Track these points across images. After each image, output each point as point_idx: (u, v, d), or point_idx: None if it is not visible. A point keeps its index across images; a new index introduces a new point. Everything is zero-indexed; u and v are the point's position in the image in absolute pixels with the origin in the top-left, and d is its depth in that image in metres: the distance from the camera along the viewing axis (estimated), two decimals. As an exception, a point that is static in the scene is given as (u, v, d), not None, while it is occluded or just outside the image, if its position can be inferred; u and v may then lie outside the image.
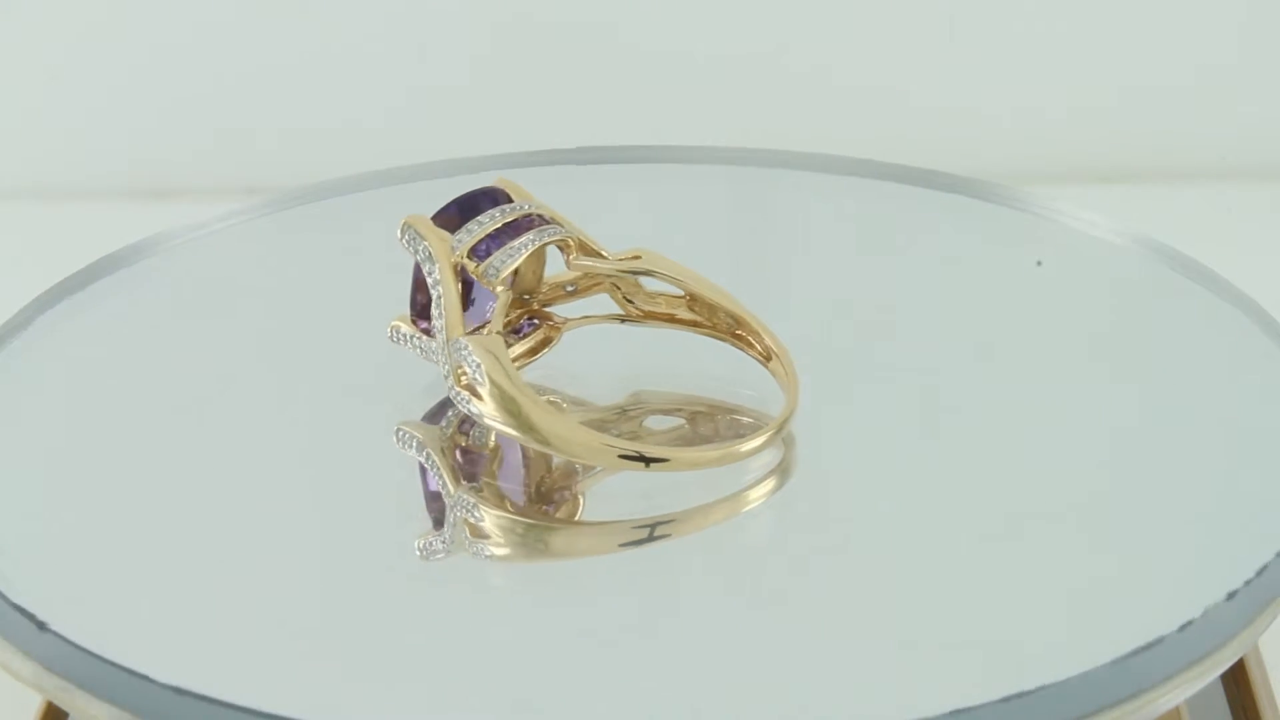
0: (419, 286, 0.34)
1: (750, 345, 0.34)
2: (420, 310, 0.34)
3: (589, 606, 0.30)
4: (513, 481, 0.33)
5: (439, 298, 0.33)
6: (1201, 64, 0.63)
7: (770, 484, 0.32)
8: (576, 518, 0.32)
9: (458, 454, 0.33)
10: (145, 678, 0.27)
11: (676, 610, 0.30)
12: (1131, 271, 0.40)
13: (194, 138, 0.64)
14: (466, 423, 0.33)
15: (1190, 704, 0.35)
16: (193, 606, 0.30)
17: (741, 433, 0.33)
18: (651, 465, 0.31)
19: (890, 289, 0.40)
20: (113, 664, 0.28)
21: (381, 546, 0.31)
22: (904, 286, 0.40)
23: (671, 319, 0.35)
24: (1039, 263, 0.40)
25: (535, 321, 0.35)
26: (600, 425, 0.33)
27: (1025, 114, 0.64)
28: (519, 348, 0.35)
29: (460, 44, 0.63)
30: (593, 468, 0.32)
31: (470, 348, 0.32)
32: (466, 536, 0.31)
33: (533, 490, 0.33)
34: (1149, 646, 0.28)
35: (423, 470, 0.33)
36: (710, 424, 0.34)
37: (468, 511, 0.32)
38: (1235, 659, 0.29)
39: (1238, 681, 0.35)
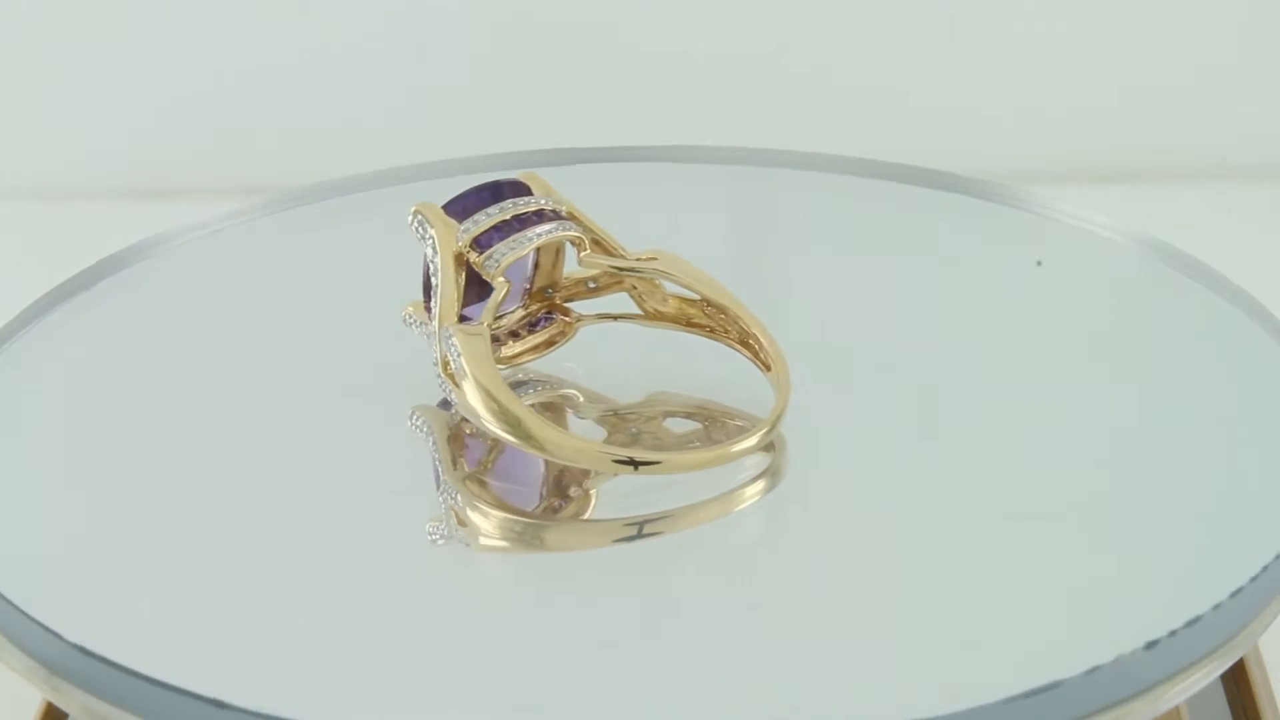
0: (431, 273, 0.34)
1: (755, 354, 0.34)
2: (431, 296, 0.34)
3: (586, 605, 0.30)
4: (507, 477, 0.33)
5: (436, 285, 0.33)
6: (1201, 64, 0.63)
7: (763, 484, 0.32)
8: (586, 515, 0.32)
9: (467, 443, 0.33)
10: (146, 678, 0.27)
11: (671, 609, 0.30)
12: (1132, 271, 0.40)
13: (194, 138, 0.64)
14: None
15: (1190, 704, 0.35)
16: (193, 606, 0.30)
17: (733, 434, 0.33)
18: (641, 468, 0.31)
19: (890, 288, 0.40)
20: (113, 664, 0.28)
21: (381, 546, 0.31)
22: (903, 286, 0.40)
23: (687, 322, 0.35)
24: (1039, 263, 0.40)
25: (553, 315, 0.35)
26: (600, 421, 0.34)
27: (1025, 114, 0.64)
28: (533, 340, 0.35)
29: (460, 44, 0.63)
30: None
31: (455, 336, 0.32)
32: (457, 526, 0.31)
33: (532, 486, 0.33)
34: (1149, 646, 0.28)
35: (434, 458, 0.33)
36: (704, 426, 0.34)
37: (451, 498, 0.32)
38: (1235, 659, 0.29)
39: (1238, 681, 0.35)
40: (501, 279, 0.33)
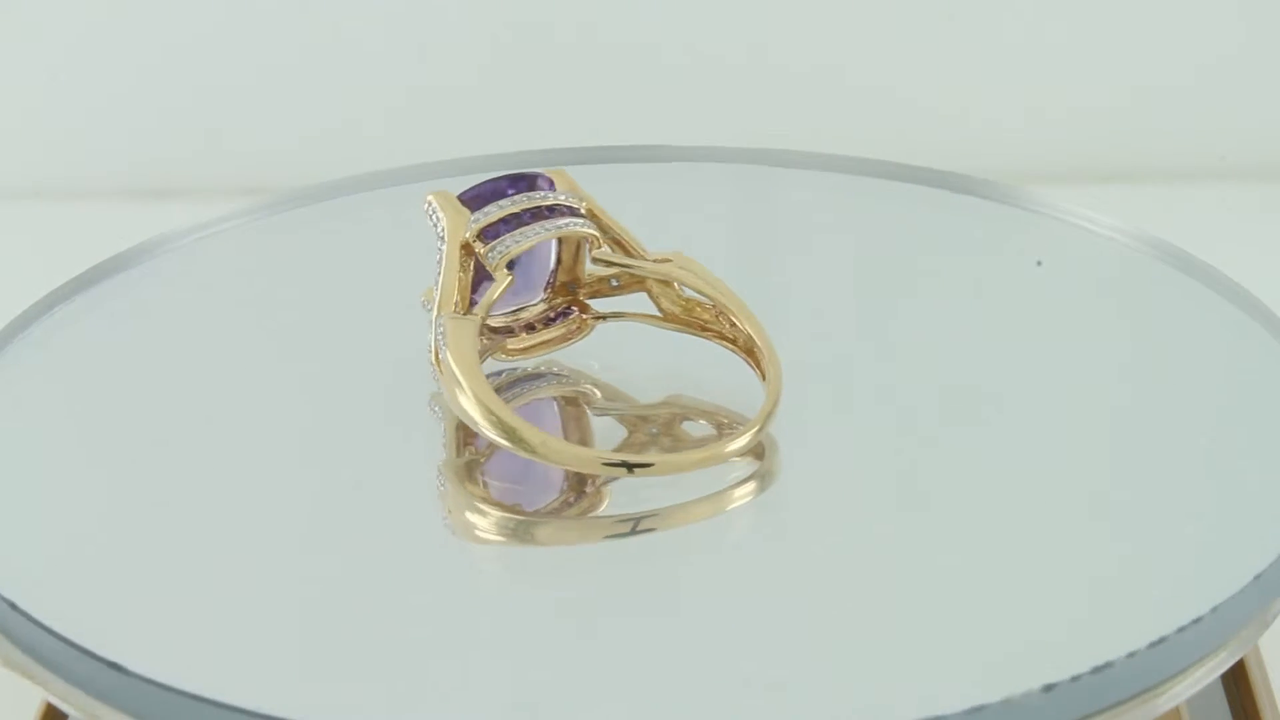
0: None
1: (757, 362, 0.34)
2: None
3: (582, 601, 0.30)
4: (502, 474, 0.33)
5: (439, 273, 0.33)
6: (1201, 64, 0.63)
7: (758, 481, 0.32)
8: (596, 511, 0.32)
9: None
10: (146, 678, 0.27)
11: (665, 605, 0.30)
12: (1132, 270, 0.40)
13: (193, 138, 0.64)
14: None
15: (1190, 704, 0.35)
16: (193, 607, 0.30)
17: (725, 435, 0.33)
18: (636, 471, 0.31)
19: (890, 287, 0.40)
20: (113, 664, 0.28)
21: (381, 547, 0.31)
22: (903, 285, 0.40)
23: (700, 326, 0.35)
24: (1039, 263, 0.40)
25: (573, 310, 0.35)
26: (621, 420, 0.34)
27: (1025, 114, 0.64)
28: (548, 334, 0.35)
29: (461, 44, 0.63)
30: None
31: (444, 325, 0.32)
32: (453, 516, 0.32)
33: (538, 485, 0.33)
34: (1149, 647, 0.28)
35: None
36: (717, 430, 0.34)
37: (442, 483, 0.32)
38: (1235, 659, 0.29)
39: (1238, 681, 0.35)
40: (505, 271, 0.33)
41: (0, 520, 0.32)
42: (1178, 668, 0.28)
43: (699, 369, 0.34)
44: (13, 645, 0.29)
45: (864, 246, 0.42)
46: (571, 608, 0.30)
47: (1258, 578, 0.29)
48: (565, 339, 0.35)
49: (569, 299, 0.35)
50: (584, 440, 0.34)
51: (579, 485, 0.32)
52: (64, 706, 0.29)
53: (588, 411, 0.35)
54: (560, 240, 0.34)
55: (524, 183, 0.34)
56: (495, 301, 0.33)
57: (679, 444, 0.33)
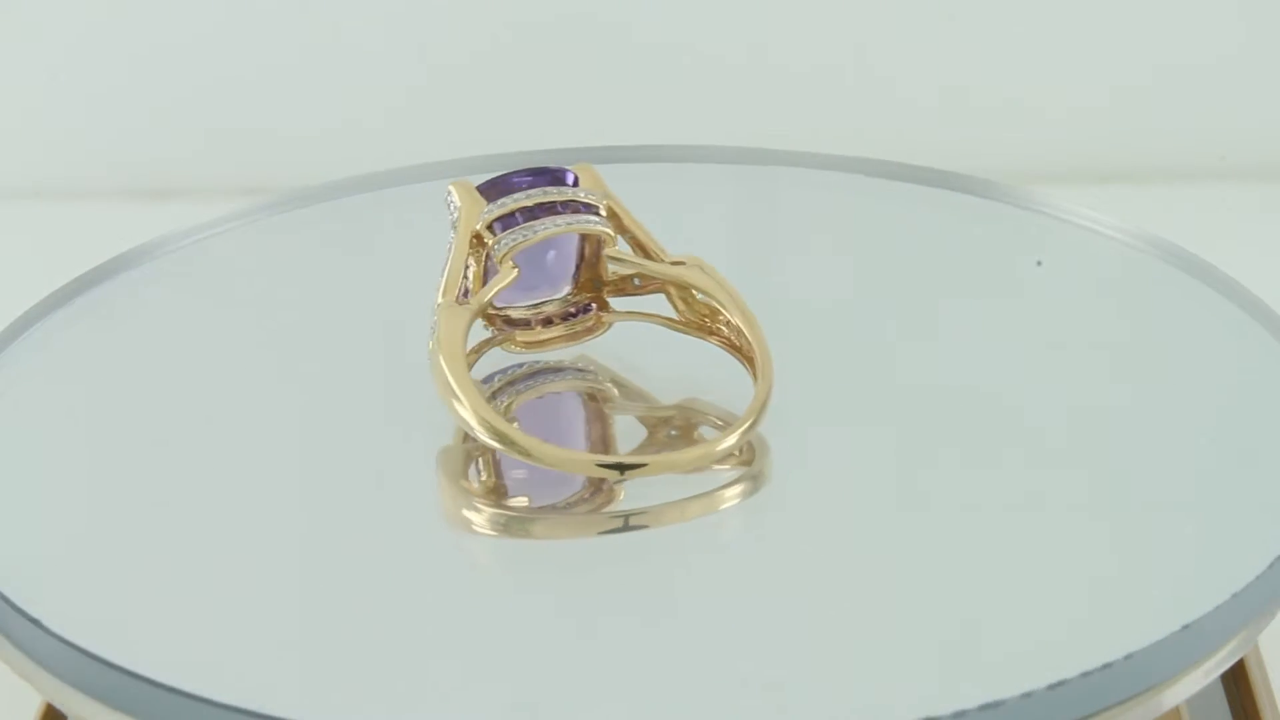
0: None
1: (750, 365, 0.34)
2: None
3: (576, 598, 0.30)
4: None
5: (445, 263, 0.33)
6: (1202, 64, 0.63)
7: (754, 480, 0.32)
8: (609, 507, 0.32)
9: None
10: (147, 680, 0.27)
11: (661, 601, 0.30)
12: (1132, 269, 0.40)
13: (193, 138, 0.64)
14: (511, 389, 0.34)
15: (1190, 704, 0.35)
16: (193, 607, 0.30)
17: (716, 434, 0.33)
18: (628, 472, 0.31)
19: (889, 286, 0.40)
20: (113, 665, 0.28)
21: (381, 547, 0.31)
22: (903, 284, 0.40)
23: (710, 331, 0.34)
24: (1039, 263, 0.40)
25: (591, 308, 0.35)
26: (642, 420, 0.34)
27: (1025, 114, 0.64)
28: (564, 329, 0.35)
29: (461, 44, 0.63)
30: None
31: (438, 314, 0.32)
32: (448, 514, 0.32)
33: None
34: (1149, 647, 0.28)
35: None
36: (687, 429, 0.34)
37: (440, 469, 0.32)
38: (1235, 659, 0.29)
39: (1238, 681, 0.35)
40: (511, 264, 0.33)
41: (0, 520, 0.32)
42: (1178, 668, 0.28)
43: (716, 372, 0.34)
44: (12, 645, 0.29)
45: (864, 246, 0.42)
46: (570, 607, 0.30)
47: (1258, 578, 0.29)
48: (577, 336, 0.35)
49: (593, 296, 0.35)
50: (604, 437, 0.34)
51: (596, 481, 0.32)
52: (63, 707, 0.29)
53: (604, 409, 0.35)
54: (584, 237, 0.34)
55: (546, 177, 0.34)
56: (498, 293, 0.33)
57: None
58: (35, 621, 0.29)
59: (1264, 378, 0.35)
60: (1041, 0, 0.63)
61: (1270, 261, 0.49)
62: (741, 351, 0.34)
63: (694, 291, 0.34)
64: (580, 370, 0.35)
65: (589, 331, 0.35)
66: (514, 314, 0.34)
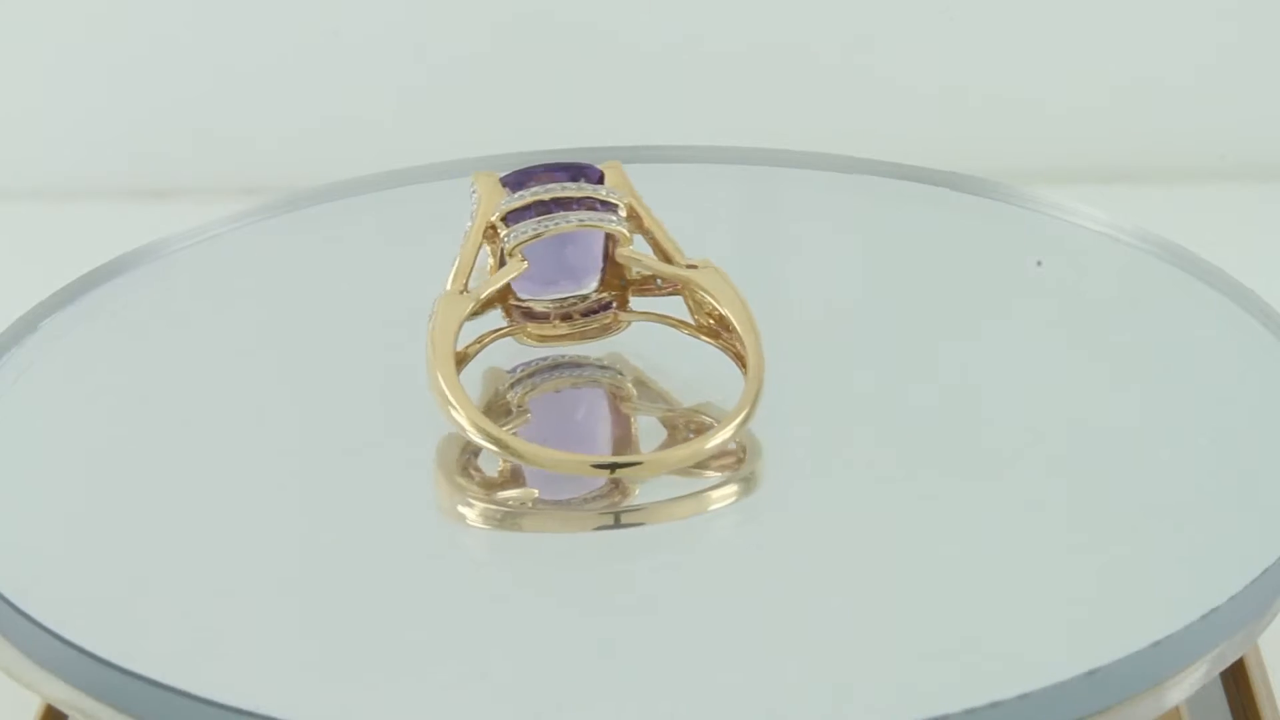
0: None
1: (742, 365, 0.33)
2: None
3: (571, 593, 0.30)
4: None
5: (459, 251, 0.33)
6: (1202, 63, 0.63)
7: (743, 483, 0.32)
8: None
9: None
10: (147, 680, 0.27)
11: (655, 596, 0.30)
12: (1133, 269, 0.40)
13: (194, 138, 0.64)
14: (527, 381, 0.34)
15: (1190, 704, 0.35)
16: (192, 607, 0.30)
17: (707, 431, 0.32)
18: (618, 471, 0.31)
19: (889, 286, 0.40)
20: (113, 665, 0.28)
21: (381, 547, 0.31)
22: (903, 284, 0.40)
23: (716, 337, 0.34)
24: (1039, 263, 0.40)
25: (611, 306, 0.35)
26: (664, 422, 0.34)
27: (1026, 113, 0.64)
28: (582, 325, 0.34)
29: (460, 44, 0.63)
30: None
31: (436, 302, 0.33)
32: (444, 511, 0.32)
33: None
34: (1149, 646, 0.28)
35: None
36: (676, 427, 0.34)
37: (437, 464, 0.32)
38: (1235, 659, 0.29)
39: (1238, 681, 0.35)
40: (519, 257, 0.33)
41: (1, 520, 0.32)
42: (1178, 668, 0.28)
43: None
44: (12, 646, 0.29)
45: (863, 246, 0.42)
46: (568, 606, 0.30)
47: (1257, 578, 0.29)
48: (591, 334, 0.35)
49: (616, 295, 0.35)
50: (615, 436, 0.34)
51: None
52: (63, 707, 0.29)
53: (622, 408, 0.34)
54: (609, 235, 0.34)
55: (570, 172, 0.34)
56: (503, 285, 0.33)
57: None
58: (35, 621, 0.29)
59: (1265, 377, 0.35)
60: (1041, 0, 0.63)
61: (1271, 261, 0.49)
62: (742, 358, 0.34)
63: (705, 295, 0.34)
64: (604, 368, 0.35)
65: (605, 330, 0.35)
66: (537, 307, 0.34)
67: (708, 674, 0.28)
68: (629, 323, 0.35)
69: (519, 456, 0.31)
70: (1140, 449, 0.34)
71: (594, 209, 0.34)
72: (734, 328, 0.33)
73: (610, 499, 0.32)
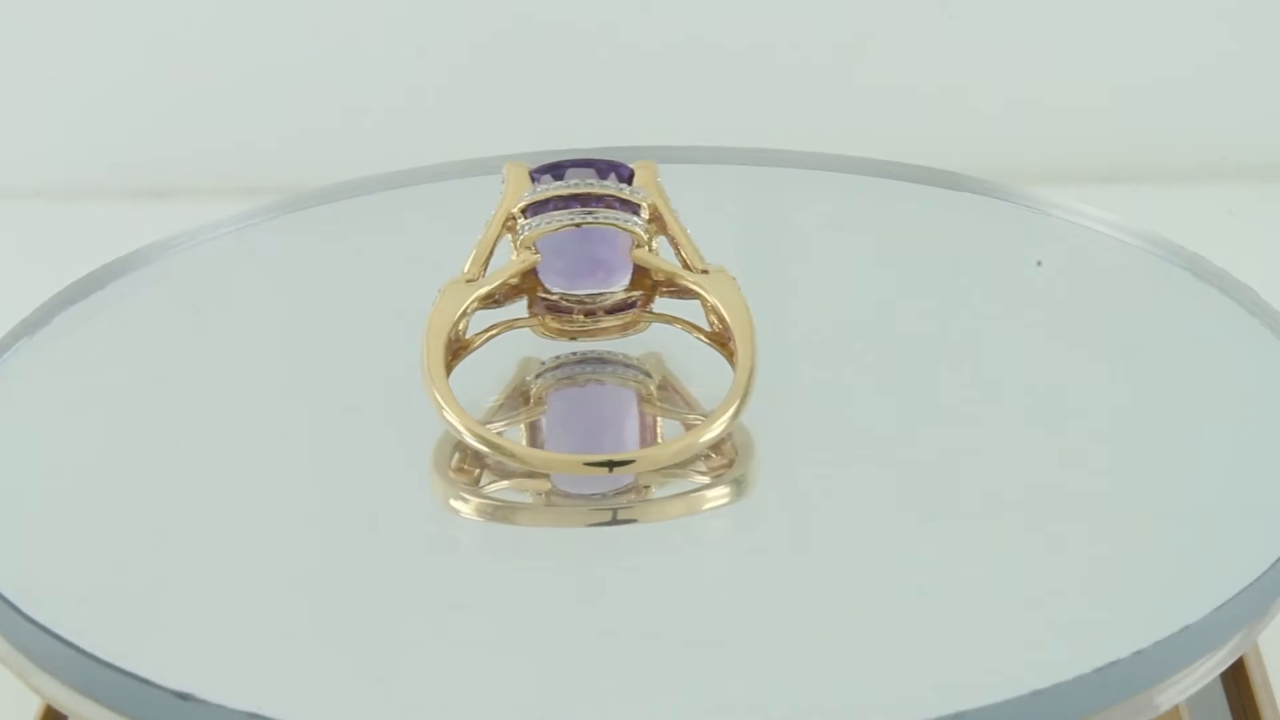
0: None
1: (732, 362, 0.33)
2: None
3: (579, 600, 0.30)
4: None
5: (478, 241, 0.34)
6: (1202, 63, 0.63)
7: (735, 485, 0.32)
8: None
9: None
10: (147, 680, 0.27)
11: (650, 592, 0.30)
12: (1133, 268, 0.40)
13: (194, 138, 0.64)
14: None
15: (1190, 704, 0.35)
16: (194, 607, 0.30)
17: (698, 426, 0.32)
18: (615, 469, 0.31)
19: (889, 286, 0.40)
20: (113, 665, 0.28)
21: (381, 546, 0.31)
22: (903, 284, 0.40)
23: (724, 345, 0.34)
24: (1039, 263, 0.40)
25: (635, 305, 0.35)
26: (685, 424, 0.34)
27: (1026, 113, 0.64)
28: (605, 321, 0.34)
29: (461, 44, 0.63)
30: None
31: (441, 290, 0.33)
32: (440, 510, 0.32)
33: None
34: (1149, 647, 0.28)
35: None
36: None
37: (432, 460, 0.32)
38: (1235, 659, 0.29)
39: (1238, 681, 0.35)
40: (531, 250, 0.33)
41: (1, 520, 0.32)
42: (1178, 667, 0.28)
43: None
44: (12, 646, 0.29)
45: (863, 246, 0.42)
46: (566, 604, 0.30)
47: (1258, 578, 0.29)
48: (608, 331, 0.35)
49: (645, 294, 0.35)
50: (636, 434, 0.34)
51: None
52: (63, 708, 0.29)
53: (640, 407, 0.34)
54: (635, 235, 0.34)
55: (597, 168, 0.34)
56: (512, 276, 0.33)
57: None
58: (35, 622, 0.29)
59: (1266, 376, 0.35)
60: (1042, 0, 0.63)
61: (1271, 260, 0.49)
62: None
63: (711, 300, 0.34)
64: (629, 366, 0.35)
65: (624, 329, 0.35)
66: (566, 301, 0.34)
67: (707, 673, 0.28)
68: (648, 324, 0.35)
69: (511, 456, 0.31)
70: (1140, 447, 0.34)
71: (613, 207, 0.34)
72: (730, 331, 0.33)
73: (610, 497, 0.32)
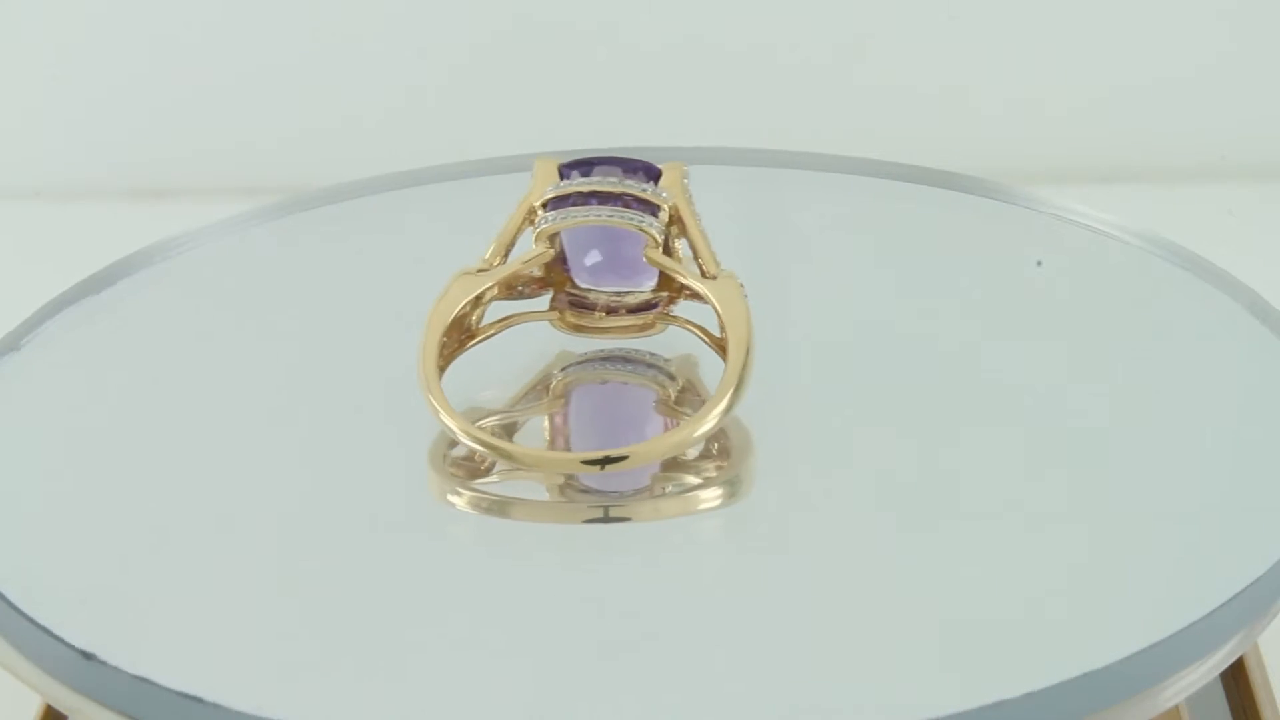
0: None
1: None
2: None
3: (577, 599, 0.30)
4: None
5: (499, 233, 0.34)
6: (1202, 63, 0.63)
7: (729, 485, 0.32)
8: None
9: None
10: (147, 680, 0.27)
11: (645, 588, 0.30)
12: (1134, 268, 0.40)
13: (194, 138, 0.64)
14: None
15: (1190, 703, 0.35)
16: (194, 607, 0.30)
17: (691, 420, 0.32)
18: (609, 467, 0.31)
19: (889, 286, 0.40)
20: (113, 666, 0.28)
21: (380, 544, 0.31)
22: (903, 284, 0.40)
23: (724, 349, 0.33)
24: (1039, 263, 0.40)
25: (655, 306, 0.35)
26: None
27: (1026, 114, 0.64)
28: (624, 320, 0.34)
29: (462, 45, 0.63)
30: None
31: (451, 278, 0.33)
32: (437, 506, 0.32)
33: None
34: (1149, 647, 0.28)
35: None
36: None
37: (429, 455, 0.32)
38: (1235, 658, 0.29)
39: (1238, 681, 0.35)
40: (545, 243, 0.34)
41: (2, 521, 0.32)
42: (1178, 668, 0.28)
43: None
44: (12, 646, 0.29)
45: (864, 246, 0.42)
46: (564, 604, 0.30)
47: (1258, 578, 0.29)
48: (628, 331, 0.35)
49: (670, 294, 0.35)
50: (644, 432, 0.34)
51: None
52: (63, 707, 0.29)
53: (654, 408, 0.34)
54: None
55: (623, 166, 0.34)
56: (523, 268, 0.34)
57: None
58: (35, 622, 0.29)
59: (1266, 376, 0.35)
60: (1042, 0, 0.63)
61: (1271, 260, 0.49)
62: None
63: (714, 306, 0.34)
64: (653, 367, 0.35)
65: (641, 330, 0.35)
66: (593, 296, 0.34)
67: (706, 673, 0.28)
68: (665, 327, 0.35)
69: (508, 456, 0.31)
70: (1141, 447, 0.34)
71: (630, 206, 0.34)
72: (725, 334, 0.33)
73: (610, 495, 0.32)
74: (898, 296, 0.39)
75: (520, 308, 0.35)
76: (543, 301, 0.35)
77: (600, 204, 0.34)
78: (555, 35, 0.63)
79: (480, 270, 0.34)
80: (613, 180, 0.34)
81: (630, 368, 0.35)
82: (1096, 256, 0.40)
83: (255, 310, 0.40)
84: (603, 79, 0.64)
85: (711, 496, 0.32)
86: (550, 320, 0.35)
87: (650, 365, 0.35)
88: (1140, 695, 0.27)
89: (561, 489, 0.32)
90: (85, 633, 0.28)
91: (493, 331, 0.34)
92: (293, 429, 0.35)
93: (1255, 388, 0.35)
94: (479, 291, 0.33)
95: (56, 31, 0.64)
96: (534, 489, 0.32)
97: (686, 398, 0.34)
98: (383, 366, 0.36)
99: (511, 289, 0.34)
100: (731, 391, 0.32)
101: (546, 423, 0.34)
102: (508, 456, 0.31)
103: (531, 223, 0.34)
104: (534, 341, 0.35)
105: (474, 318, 0.34)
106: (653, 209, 0.34)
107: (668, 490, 0.32)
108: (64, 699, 0.28)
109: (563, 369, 0.35)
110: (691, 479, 0.32)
